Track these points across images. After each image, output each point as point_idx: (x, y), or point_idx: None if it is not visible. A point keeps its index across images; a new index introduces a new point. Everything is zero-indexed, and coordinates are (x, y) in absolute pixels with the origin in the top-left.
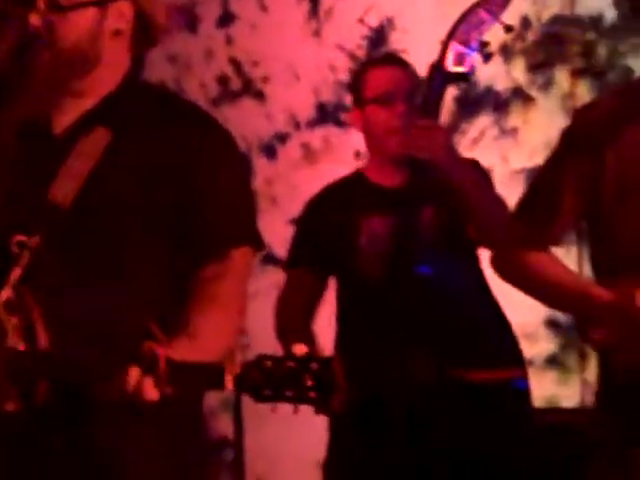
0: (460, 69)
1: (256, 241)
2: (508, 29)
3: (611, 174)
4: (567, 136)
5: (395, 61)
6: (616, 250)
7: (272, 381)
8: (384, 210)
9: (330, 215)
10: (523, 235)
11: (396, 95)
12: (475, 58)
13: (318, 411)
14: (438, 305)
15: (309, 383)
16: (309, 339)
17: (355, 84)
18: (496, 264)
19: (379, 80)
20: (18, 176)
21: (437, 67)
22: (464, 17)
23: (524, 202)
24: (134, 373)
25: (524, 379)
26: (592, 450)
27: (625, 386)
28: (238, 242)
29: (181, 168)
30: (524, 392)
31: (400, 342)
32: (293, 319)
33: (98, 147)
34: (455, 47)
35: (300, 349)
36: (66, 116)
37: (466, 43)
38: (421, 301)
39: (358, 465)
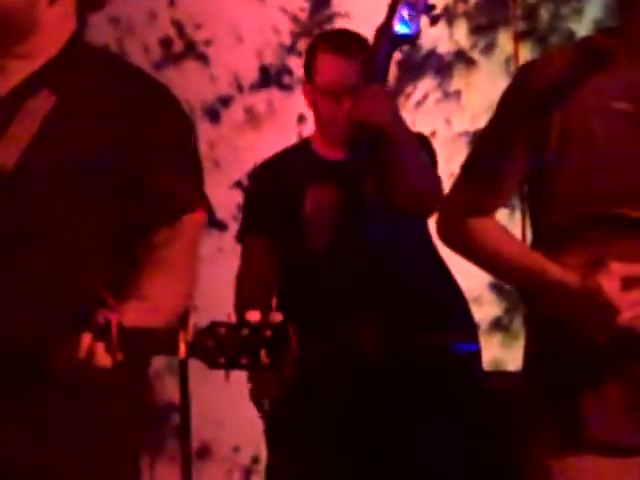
0: (407, 31)
1: (205, 206)
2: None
3: (555, 133)
4: (513, 96)
5: (347, 48)
6: (552, 214)
7: (226, 349)
8: (329, 181)
9: (277, 184)
10: (469, 198)
11: (343, 91)
12: (421, 21)
13: (271, 377)
14: (385, 273)
15: (263, 350)
16: (264, 306)
17: (307, 62)
18: (441, 231)
19: (329, 73)
20: None
21: (384, 30)
22: None
23: (469, 164)
24: (86, 340)
25: (475, 342)
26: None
27: (554, 352)
28: (188, 208)
29: (127, 133)
30: (474, 354)
31: (347, 311)
32: (248, 288)
33: (42, 110)
34: (402, 9)
35: (253, 316)
36: (10, 79)
37: (413, 6)
38: (368, 269)
39: (303, 432)
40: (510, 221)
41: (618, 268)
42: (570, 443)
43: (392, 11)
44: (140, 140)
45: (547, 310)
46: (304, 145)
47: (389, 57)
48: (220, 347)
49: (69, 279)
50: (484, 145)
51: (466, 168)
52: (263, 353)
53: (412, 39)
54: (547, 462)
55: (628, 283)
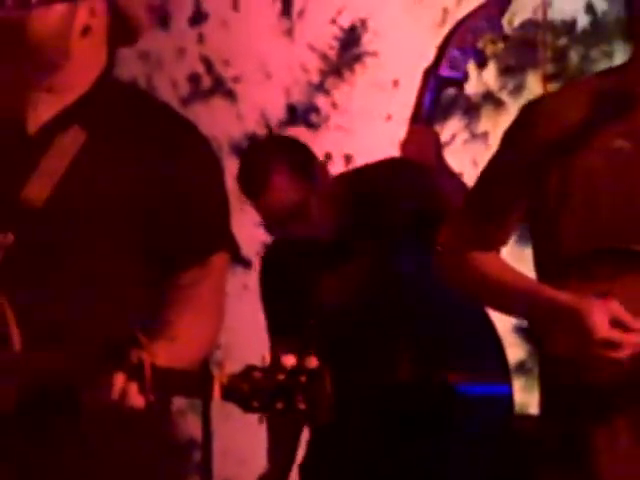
0: (455, 75)
1: (232, 246)
2: (505, 38)
3: (557, 171)
4: (518, 135)
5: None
6: (555, 248)
7: (261, 393)
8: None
9: (289, 277)
10: (472, 233)
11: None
12: (469, 64)
13: (307, 423)
14: (421, 314)
15: (299, 396)
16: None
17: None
18: (442, 264)
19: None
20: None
21: (432, 72)
22: (462, 23)
23: (472, 200)
24: (119, 379)
25: (508, 384)
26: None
27: (565, 393)
28: (216, 248)
29: (156, 172)
30: (507, 397)
31: (385, 349)
32: None
33: (73, 147)
34: (451, 53)
35: (289, 360)
36: (41, 114)
37: (462, 50)
38: (403, 313)
39: (337, 466)
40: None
41: (614, 305)
42: None
43: (441, 54)
44: (169, 180)
45: (552, 348)
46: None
47: (435, 98)
48: (255, 391)
49: (100, 316)
50: (488, 182)
51: (469, 204)
52: (299, 399)
53: (459, 82)
54: None
55: (615, 322)
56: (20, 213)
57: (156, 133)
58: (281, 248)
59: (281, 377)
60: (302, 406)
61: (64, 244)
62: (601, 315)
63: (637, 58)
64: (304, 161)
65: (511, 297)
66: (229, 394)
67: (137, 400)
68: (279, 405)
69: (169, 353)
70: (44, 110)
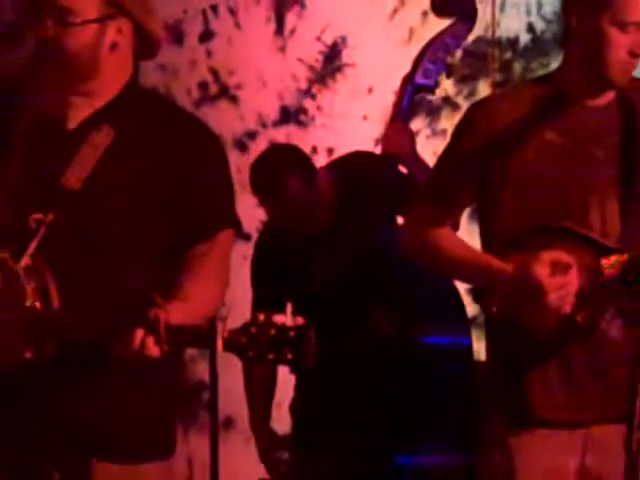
0: (427, 82)
1: (237, 224)
2: (468, 54)
3: (498, 161)
4: (466, 132)
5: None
6: (498, 227)
7: (256, 345)
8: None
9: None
10: (429, 214)
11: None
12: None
13: (293, 370)
14: (395, 279)
15: (287, 348)
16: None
17: None
18: (405, 240)
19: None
20: (36, 163)
21: (409, 80)
22: (434, 40)
23: (428, 187)
24: (139, 333)
25: (468, 337)
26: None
27: (507, 342)
28: (223, 226)
29: (174, 163)
30: (468, 347)
31: (365, 308)
32: None
33: (103, 142)
34: (425, 64)
35: (280, 318)
36: (78, 114)
37: (434, 62)
38: (380, 279)
39: (320, 406)
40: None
41: (547, 256)
42: (522, 421)
43: (416, 64)
44: (184, 169)
45: (496, 306)
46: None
47: (411, 101)
48: (251, 344)
49: (125, 281)
50: (441, 171)
51: (426, 189)
52: (287, 350)
53: (431, 89)
54: (506, 439)
55: (556, 267)
56: (59, 195)
57: (173, 130)
58: (272, 233)
59: (272, 332)
60: (289, 356)
61: (96, 221)
62: (540, 268)
63: (566, 65)
64: (310, 169)
65: (465, 269)
66: (229, 346)
67: (153, 350)
68: (270, 356)
69: (182, 312)
70: (80, 111)
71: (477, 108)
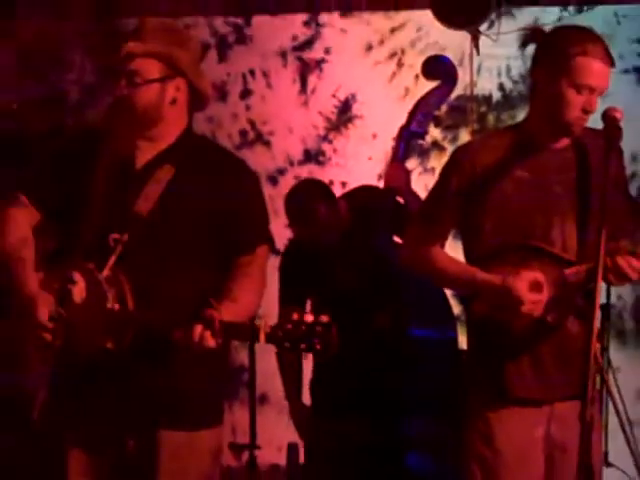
0: (420, 130)
1: (271, 241)
2: (452, 108)
3: (478, 193)
4: (452, 170)
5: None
6: (479, 245)
7: (291, 338)
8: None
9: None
10: (422, 236)
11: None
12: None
13: (319, 358)
14: (394, 282)
15: (316, 340)
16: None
17: None
18: (403, 257)
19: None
20: (113, 195)
21: (405, 128)
22: (425, 97)
23: (421, 214)
24: (198, 329)
25: (454, 331)
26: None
27: (484, 338)
28: (261, 242)
29: (223, 194)
30: (454, 339)
31: (370, 306)
32: None
33: (166, 177)
34: (418, 116)
35: (309, 317)
36: (144, 156)
37: (425, 115)
38: (382, 283)
39: (334, 385)
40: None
41: (526, 275)
42: (500, 399)
43: (411, 116)
44: (230, 198)
45: (478, 308)
46: None
47: (407, 146)
48: (286, 337)
49: (184, 286)
50: (430, 202)
51: (420, 216)
52: (316, 342)
53: (422, 135)
54: (486, 413)
55: (534, 287)
56: (132, 220)
57: (221, 168)
58: (296, 248)
59: (304, 328)
60: (318, 347)
61: (161, 240)
62: (521, 284)
63: (532, 117)
64: (332, 198)
65: (453, 279)
66: (270, 339)
67: (210, 342)
68: (302, 346)
69: (231, 311)
70: (145, 153)
71: (461, 151)
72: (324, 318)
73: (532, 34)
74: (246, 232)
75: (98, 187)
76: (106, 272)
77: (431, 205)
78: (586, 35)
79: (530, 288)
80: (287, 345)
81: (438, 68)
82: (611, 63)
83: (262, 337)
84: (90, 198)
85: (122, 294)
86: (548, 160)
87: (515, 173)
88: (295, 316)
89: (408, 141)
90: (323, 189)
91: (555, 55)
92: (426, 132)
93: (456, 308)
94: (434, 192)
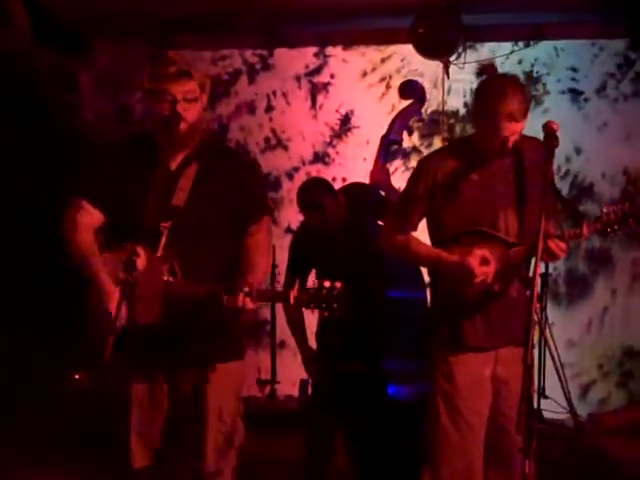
0: (396, 138)
1: (271, 212)
2: (428, 120)
3: (440, 192)
4: (419, 175)
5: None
6: (442, 231)
7: (314, 299)
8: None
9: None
10: (396, 226)
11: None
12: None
13: (334, 315)
14: (377, 257)
15: (333, 301)
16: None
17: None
18: (381, 243)
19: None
20: (157, 193)
21: (385, 136)
22: (401, 112)
23: (395, 208)
24: (241, 296)
25: (424, 293)
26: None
27: (446, 301)
28: (264, 213)
29: (236, 181)
30: (424, 299)
31: (360, 276)
32: None
33: (192, 174)
34: (395, 126)
35: (327, 283)
36: (177, 159)
37: (402, 125)
38: (370, 257)
39: (333, 334)
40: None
41: (477, 252)
42: (460, 347)
43: (390, 126)
44: (238, 183)
45: (442, 280)
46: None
47: (388, 150)
48: (310, 298)
49: (217, 256)
50: (403, 199)
51: (394, 209)
52: (333, 302)
53: (399, 142)
54: (448, 357)
55: (483, 261)
56: (172, 211)
57: (228, 160)
58: (305, 229)
59: (324, 291)
60: (334, 306)
61: (195, 222)
62: (473, 260)
63: (475, 135)
64: (334, 192)
65: (422, 258)
66: (297, 301)
67: (250, 305)
68: (323, 305)
69: (256, 278)
70: (178, 157)
71: (425, 160)
72: (338, 284)
73: (484, 68)
74: (252, 206)
75: (147, 186)
76: (159, 252)
77: (403, 203)
78: (506, 94)
79: (480, 263)
80: (312, 306)
81: (411, 90)
82: (524, 116)
83: (292, 299)
84: (140, 195)
85: (173, 268)
86: (492, 165)
87: (467, 177)
88: (316, 283)
89: (387, 147)
90: (327, 185)
91: (482, 106)
92: (402, 139)
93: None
94: (405, 193)
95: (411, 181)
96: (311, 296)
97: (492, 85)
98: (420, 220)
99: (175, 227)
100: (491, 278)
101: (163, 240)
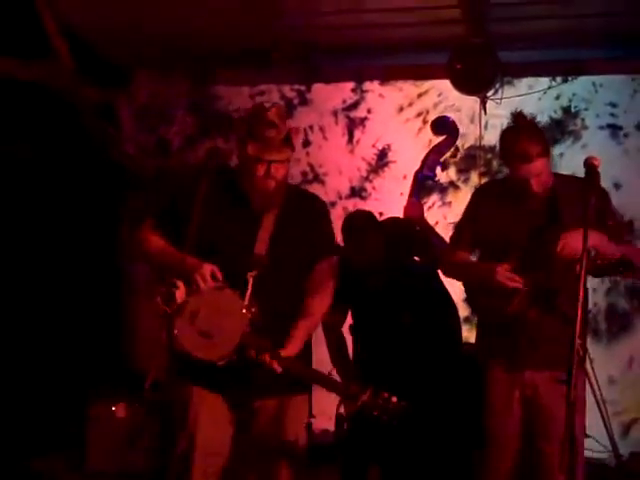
0: (430, 174)
1: (339, 252)
2: (465, 155)
3: (480, 223)
4: (470, 206)
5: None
6: (485, 250)
7: (375, 406)
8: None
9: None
10: (454, 251)
11: None
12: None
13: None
14: (414, 293)
15: (389, 414)
16: None
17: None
18: (443, 270)
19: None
20: (236, 237)
21: (419, 172)
22: (433, 148)
23: (453, 236)
24: (267, 357)
25: (456, 324)
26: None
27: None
28: (332, 253)
29: (311, 224)
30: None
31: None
32: None
33: (271, 221)
34: (428, 162)
35: (394, 399)
36: (258, 205)
37: (435, 160)
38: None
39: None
40: None
41: (505, 266)
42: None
43: (423, 162)
44: (315, 226)
45: (481, 303)
46: None
47: (422, 186)
48: (374, 406)
49: (296, 289)
50: (458, 228)
51: (453, 238)
52: (387, 415)
53: (433, 178)
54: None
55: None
56: (257, 260)
57: (304, 204)
58: (344, 264)
59: (386, 403)
60: (385, 418)
61: (276, 269)
62: (500, 269)
63: (511, 174)
64: (378, 227)
65: (472, 273)
66: (364, 406)
67: (278, 370)
68: (376, 413)
69: (305, 328)
70: (258, 204)
71: (477, 192)
72: (394, 399)
73: (515, 117)
74: (320, 246)
75: (228, 231)
76: (247, 297)
77: (458, 232)
78: (516, 136)
79: (511, 272)
80: (368, 410)
81: (443, 126)
82: (538, 157)
83: (359, 404)
84: (220, 238)
85: (252, 307)
86: (527, 201)
87: (502, 211)
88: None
89: (421, 182)
90: (374, 219)
91: (500, 151)
92: (435, 175)
93: (465, 311)
94: (460, 223)
95: (464, 214)
96: (376, 405)
97: (507, 130)
98: (474, 247)
99: (259, 275)
100: (520, 284)
101: (249, 288)
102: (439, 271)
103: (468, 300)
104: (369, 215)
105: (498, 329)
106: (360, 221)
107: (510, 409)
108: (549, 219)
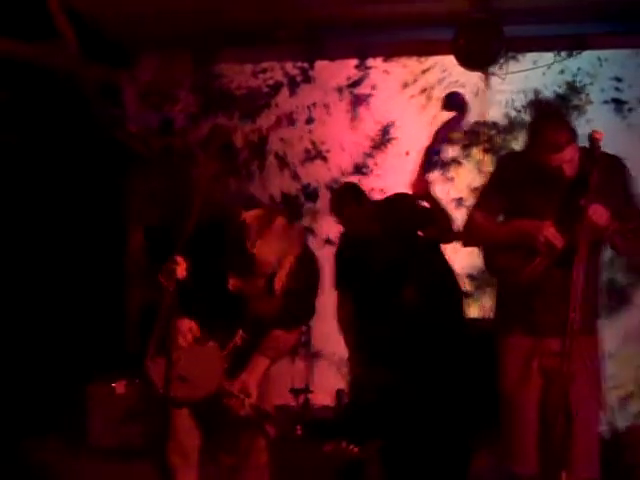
0: (439, 149)
1: (311, 317)
2: (468, 131)
3: (507, 189)
4: (495, 173)
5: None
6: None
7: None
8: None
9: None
10: (481, 211)
11: None
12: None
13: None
14: (414, 265)
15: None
16: None
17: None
18: (466, 234)
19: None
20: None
21: (429, 147)
22: (444, 124)
23: (479, 202)
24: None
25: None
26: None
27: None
28: (308, 318)
29: (306, 267)
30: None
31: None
32: None
33: (290, 261)
34: (439, 138)
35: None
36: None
37: (444, 137)
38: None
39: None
40: None
41: (549, 223)
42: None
43: (434, 138)
44: (305, 266)
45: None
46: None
47: (431, 161)
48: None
49: None
50: (484, 193)
51: (477, 203)
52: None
53: (438, 153)
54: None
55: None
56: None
57: (304, 254)
58: (346, 239)
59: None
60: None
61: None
62: (547, 226)
63: (530, 149)
64: (360, 197)
65: (505, 232)
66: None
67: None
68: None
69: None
70: (270, 257)
71: (502, 159)
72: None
73: (536, 104)
74: (306, 302)
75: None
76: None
77: (484, 194)
78: (544, 129)
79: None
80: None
81: (455, 102)
82: (567, 144)
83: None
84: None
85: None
86: (558, 182)
87: (532, 178)
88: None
89: (430, 157)
90: (353, 193)
91: (529, 142)
92: (441, 150)
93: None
94: (485, 187)
95: (489, 179)
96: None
97: (534, 121)
98: (501, 206)
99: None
100: (559, 241)
101: (232, 344)
102: (446, 245)
103: (486, 263)
104: (348, 186)
105: (516, 297)
106: (340, 192)
107: (529, 378)
108: (579, 190)
